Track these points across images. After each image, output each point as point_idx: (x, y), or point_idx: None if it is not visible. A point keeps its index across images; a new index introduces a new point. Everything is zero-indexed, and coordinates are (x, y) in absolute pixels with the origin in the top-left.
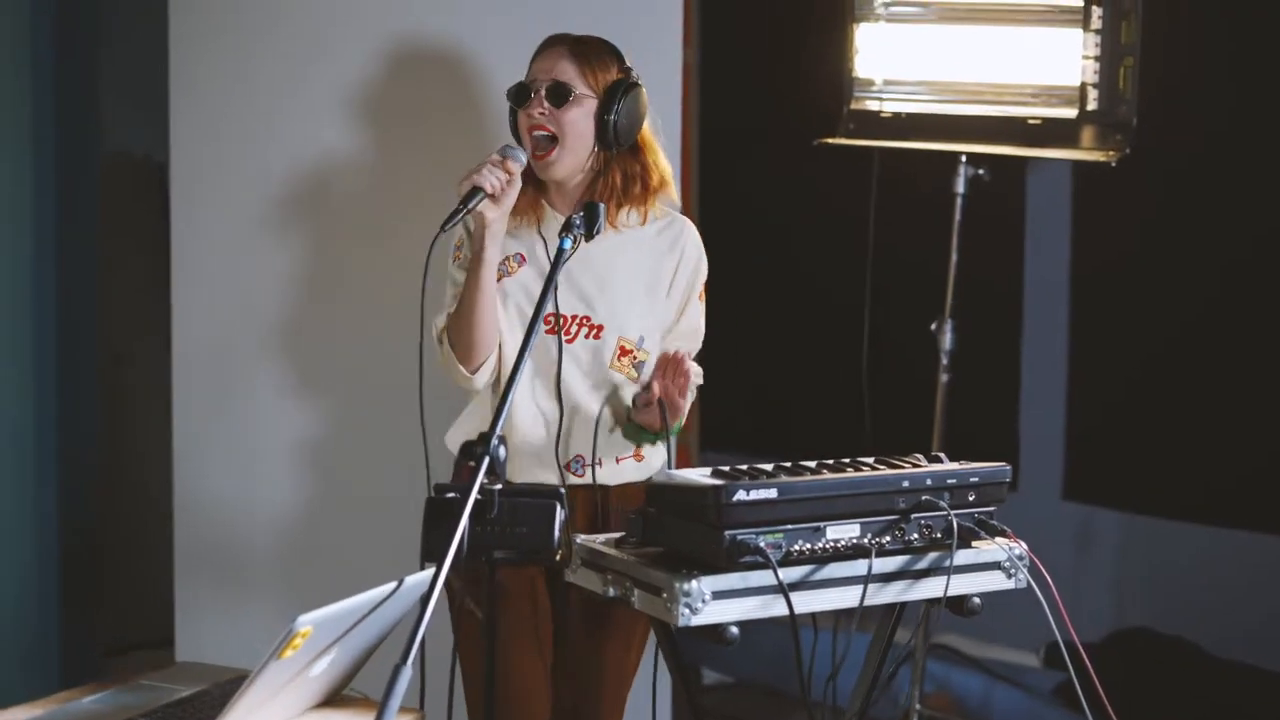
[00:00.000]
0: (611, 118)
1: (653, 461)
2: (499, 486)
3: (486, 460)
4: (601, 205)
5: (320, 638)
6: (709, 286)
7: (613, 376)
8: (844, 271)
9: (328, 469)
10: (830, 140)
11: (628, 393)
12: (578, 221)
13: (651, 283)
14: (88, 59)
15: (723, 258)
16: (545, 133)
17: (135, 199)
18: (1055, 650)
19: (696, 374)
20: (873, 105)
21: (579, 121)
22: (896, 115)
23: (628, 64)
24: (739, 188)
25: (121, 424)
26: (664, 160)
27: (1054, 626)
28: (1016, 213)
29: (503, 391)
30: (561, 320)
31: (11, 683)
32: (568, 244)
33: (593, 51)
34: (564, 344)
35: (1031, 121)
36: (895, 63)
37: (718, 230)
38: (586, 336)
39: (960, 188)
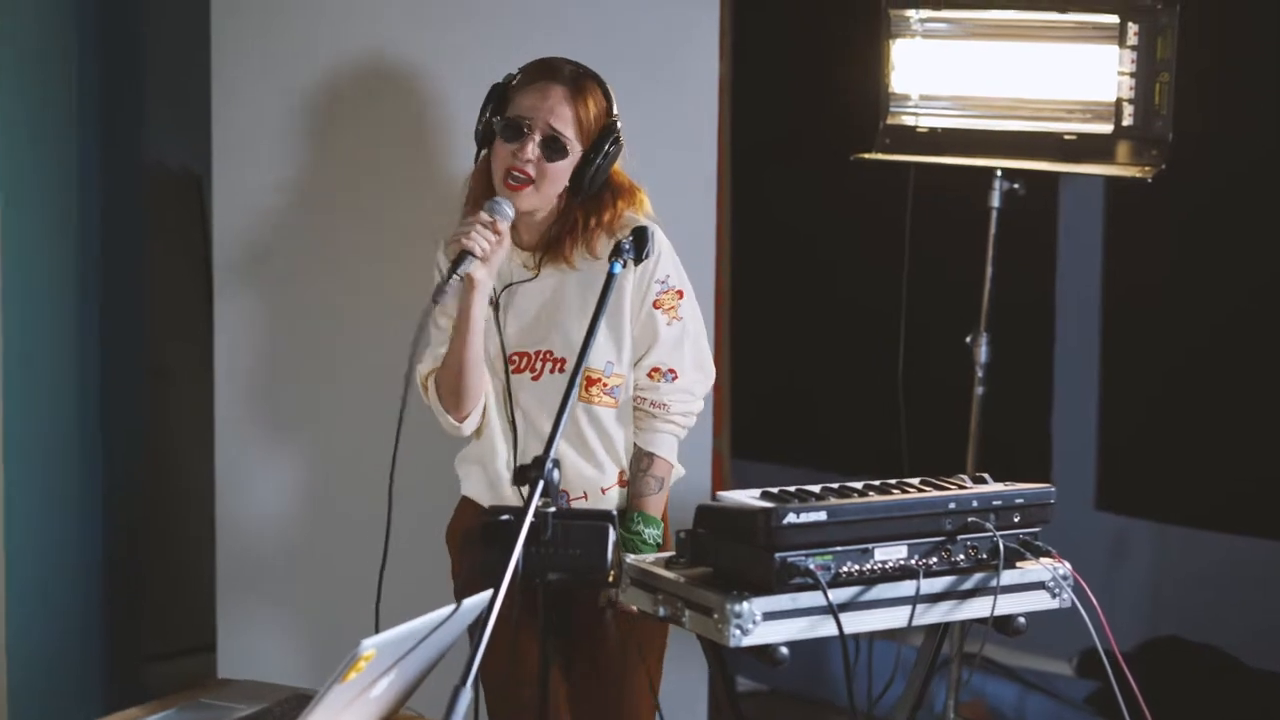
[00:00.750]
0: (590, 170)
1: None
2: (553, 509)
3: (541, 483)
4: (650, 229)
5: (382, 660)
6: (737, 295)
7: (590, 409)
8: (879, 285)
9: (369, 482)
10: (866, 155)
11: (607, 421)
12: (627, 246)
13: (611, 304)
14: (131, 72)
15: (758, 271)
16: (524, 175)
17: (174, 211)
18: (1088, 659)
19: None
20: (908, 120)
21: (561, 172)
22: (932, 130)
23: (615, 108)
24: (774, 202)
25: (164, 434)
26: (628, 181)
27: (1095, 638)
28: (1050, 226)
29: (555, 420)
30: (525, 358)
31: (56, 688)
32: (618, 269)
33: (590, 95)
34: (531, 382)
35: (1067, 137)
36: (931, 78)
37: (753, 244)
38: (552, 371)
39: (995, 202)
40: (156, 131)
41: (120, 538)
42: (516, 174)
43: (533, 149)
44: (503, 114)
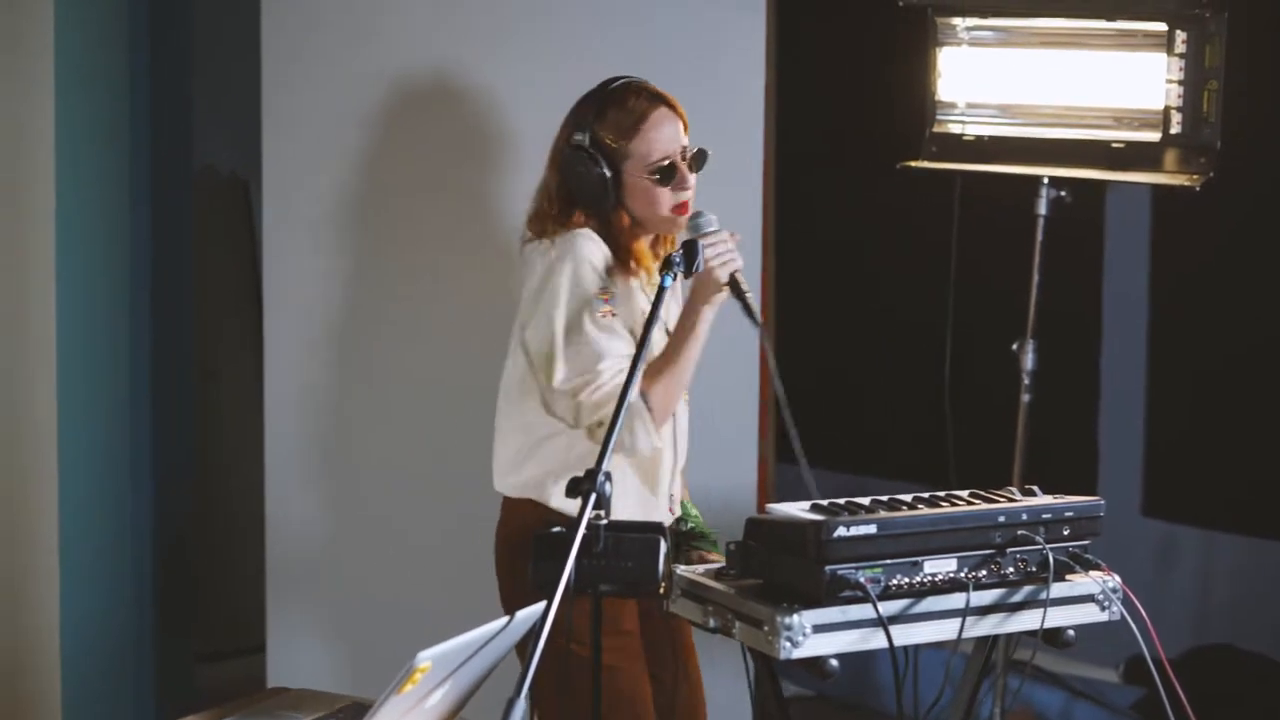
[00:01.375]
0: None
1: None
2: (604, 521)
3: (593, 496)
4: (700, 243)
5: (438, 672)
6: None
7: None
8: (925, 292)
9: (417, 486)
10: (912, 163)
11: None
12: (677, 259)
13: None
14: (181, 80)
15: (804, 278)
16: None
17: (223, 216)
18: (1134, 666)
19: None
20: (955, 129)
21: None
22: (979, 138)
23: None
24: (820, 209)
25: (213, 437)
26: None
27: (1143, 646)
28: (1097, 234)
29: (607, 432)
30: None
31: (108, 689)
32: (669, 281)
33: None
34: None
35: (1114, 145)
36: (978, 86)
37: (799, 251)
38: None
39: (1042, 210)
40: (206, 139)
41: (171, 540)
42: (686, 206)
43: (691, 179)
44: (619, 141)
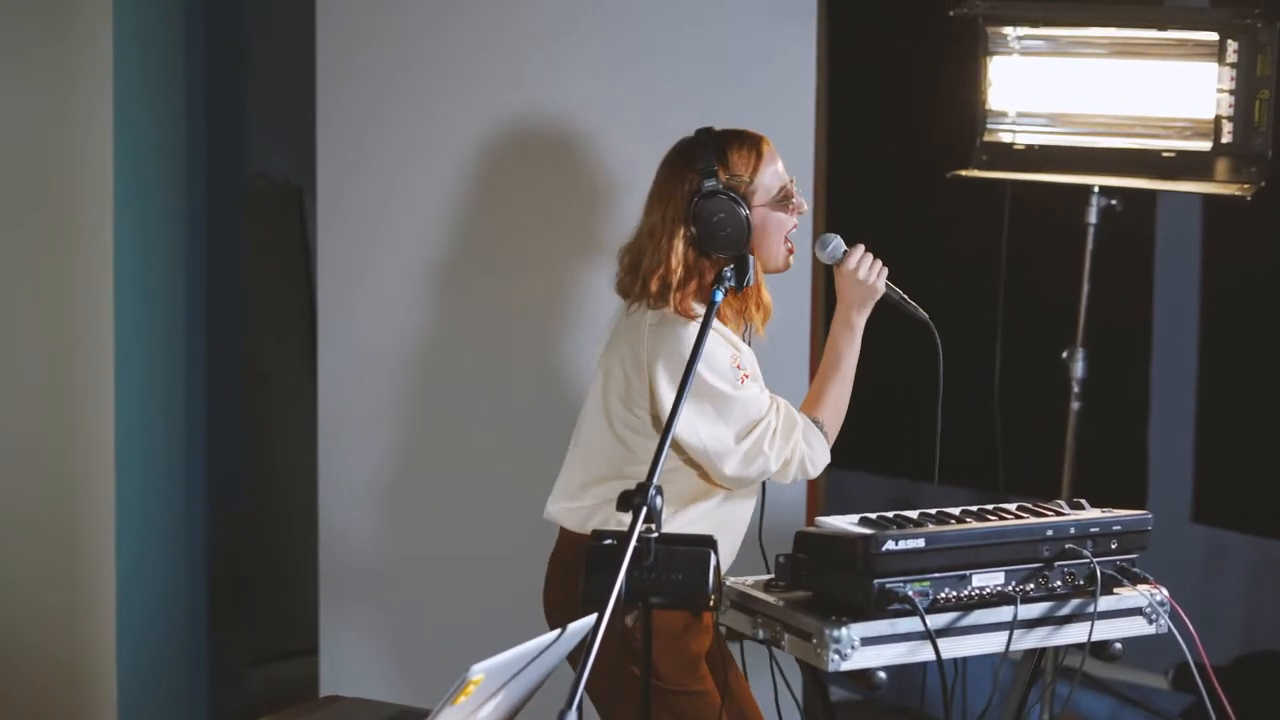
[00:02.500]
0: None
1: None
2: (655, 534)
3: (644, 509)
4: (750, 258)
5: (491, 683)
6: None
7: None
8: (975, 301)
9: (471, 492)
10: (963, 172)
11: None
12: (728, 274)
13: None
14: (237, 86)
15: None
16: None
17: (277, 222)
18: (1184, 673)
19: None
20: (1005, 137)
21: None
22: (1029, 147)
23: None
24: (869, 218)
25: (267, 440)
26: None
27: (1188, 656)
28: (1148, 243)
29: (659, 445)
30: None
31: (163, 690)
32: (719, 296)
33: None
34: None
35: (1165, 154)
36: (1028, 95)
37: None
38: None
39: (1092, 219)
40: (261, 146)
41: (225, 544)
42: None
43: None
44: (751, 176)
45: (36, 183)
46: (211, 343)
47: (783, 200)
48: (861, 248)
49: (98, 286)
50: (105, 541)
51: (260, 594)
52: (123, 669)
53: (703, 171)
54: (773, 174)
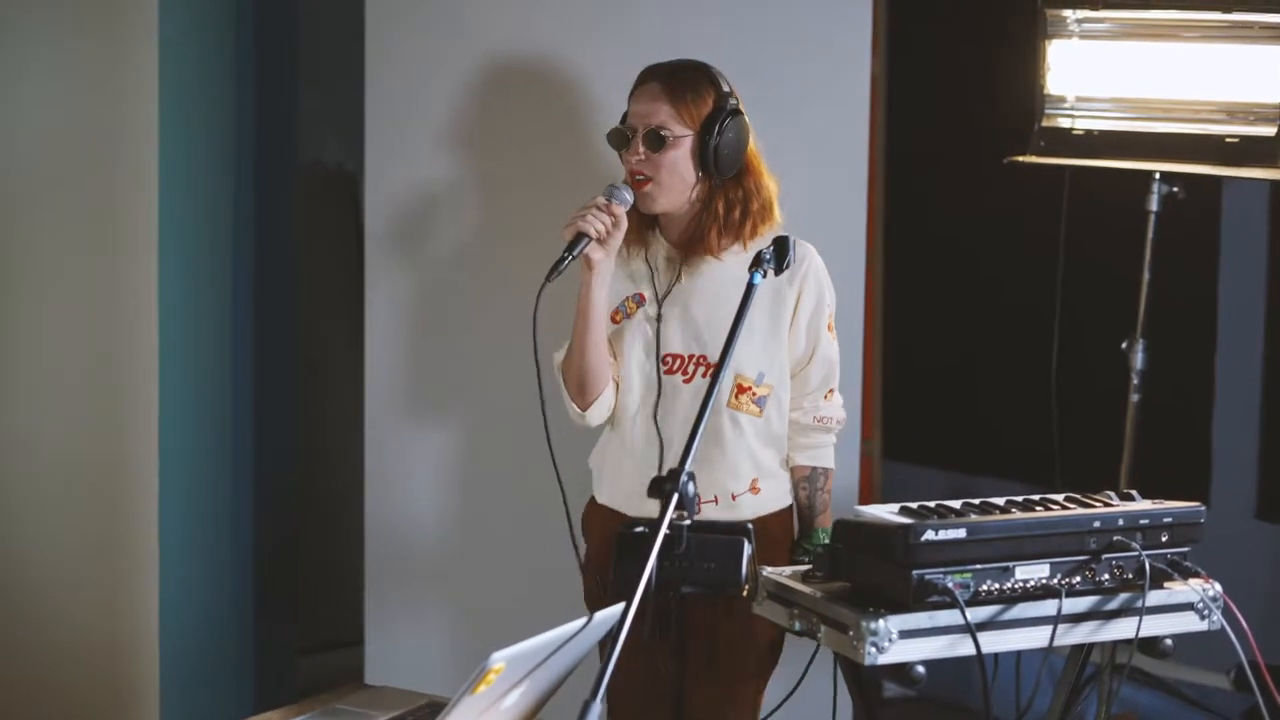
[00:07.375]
0: (710, 151)
1: (771, 493)
2: (688, 522)
3: (675, 496)
4: (790, 239)
5: (512, 673)
6: (890, 298)
7: (736, 416)
8: (1033, 288)
9: (519, 484)
10: (1021, 158)
11: (749, 430)
12: (768, 256)
13: (769, 316)
14: (286, 71)
15: (911, 273)
16: (644, 175)
17: (328, 209)
18: (1245, 673)
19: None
20: (1064, 123)
21: (678, 162)
22: (1089, 133)
23: (726, 88)
24: (926, 203)
25: (315, 429)
26: (770, 182)
27: (1241, 656)
28: (1211, 230)
29: (692, 429)
30: (679, 360)
31: (209, 679)
32: (758, 279)
33: (687, 86)
34: (683, 384)
35: (1229, 139)
36: (1088, 79)
37: (906, 246)
38: (704, 375)
39: (1154, 205)
40: (311, 132)
41: (271, 533)
42: (637, 175)
43: (639, 147)
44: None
45: (82, 170)
46: (259, 330)
47: (614, 139)
48: (599, 199)
49: (143, 272)
50: (150, 531)
51: (307, 584)
52: (166, 660)
53: (731, 93)
54: (626, 110)
